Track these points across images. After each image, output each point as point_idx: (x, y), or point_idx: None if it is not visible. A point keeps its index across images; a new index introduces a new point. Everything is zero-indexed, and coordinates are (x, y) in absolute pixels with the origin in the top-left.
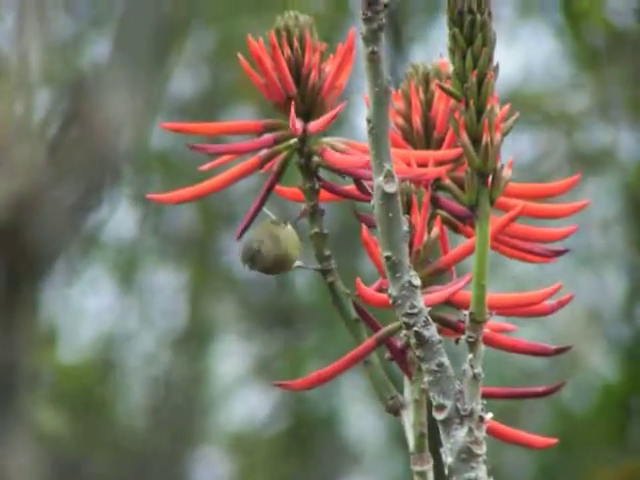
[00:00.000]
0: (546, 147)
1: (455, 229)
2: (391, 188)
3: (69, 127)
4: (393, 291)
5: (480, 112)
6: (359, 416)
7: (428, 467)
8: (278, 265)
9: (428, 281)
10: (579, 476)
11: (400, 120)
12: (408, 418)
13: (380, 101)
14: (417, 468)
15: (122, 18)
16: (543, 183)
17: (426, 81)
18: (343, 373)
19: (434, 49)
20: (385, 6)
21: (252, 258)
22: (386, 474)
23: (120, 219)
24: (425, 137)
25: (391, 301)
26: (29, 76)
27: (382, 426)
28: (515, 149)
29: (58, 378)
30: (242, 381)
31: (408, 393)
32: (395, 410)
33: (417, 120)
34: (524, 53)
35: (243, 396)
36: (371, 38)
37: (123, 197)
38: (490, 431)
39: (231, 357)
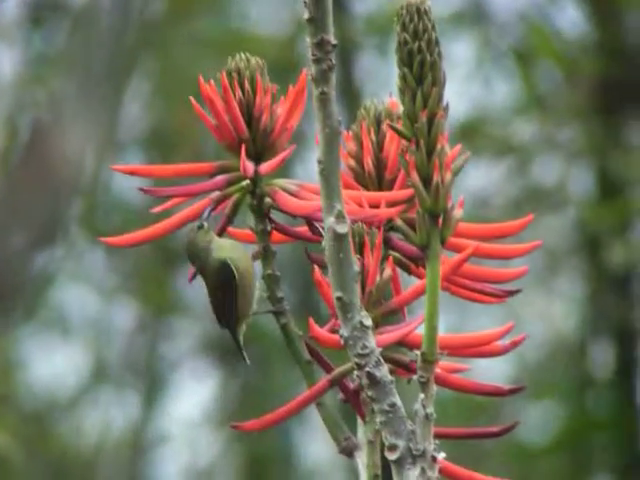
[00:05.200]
0: (499, 181)
1: (408, 271)
2: (342, 229)
3: (22, 164)
4: (344, 332)
5: (430, 152)
6: (316, 451)
7: None
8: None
9: (381, 322)
10: None
11: (352, 162)
12: (362, 459)
13: (331, 142)
14: None
15: (76, 50)
16: (496, 220)
17: (377, 122)
18: (296, 414)
19: (386, 89)
20: (334, 47)
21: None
22: None
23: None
24: (377, 178)
25: (342, 342)
26: None
27: (340, 461)
28: (468, 182)
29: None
30: (197, 419)
31: (362, 434)
32: (349, 451)
33: (369, 161)
34: (478, 92)
35: (198, 434)
36: (321, 79)
37: (77, 236)
38: (444, 471)
39: (187, 394)
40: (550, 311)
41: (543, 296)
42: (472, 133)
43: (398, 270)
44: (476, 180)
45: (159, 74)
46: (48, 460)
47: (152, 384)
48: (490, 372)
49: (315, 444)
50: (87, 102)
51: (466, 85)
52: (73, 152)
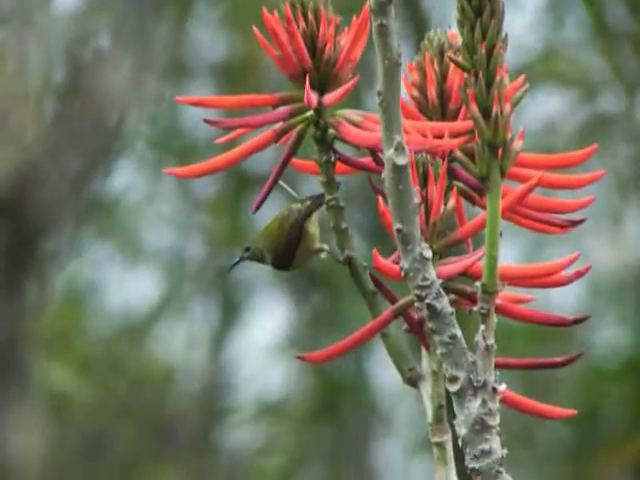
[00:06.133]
0: (564, 112)
1: (472, 201)
2: (402, 160)
3: (70, 98)
4: (405, 264)
5: (489, 84)
6: (388, 379)
7: (447, 438)
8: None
9: (445, 253)
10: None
11: (415, 92)
12: (426, 390)
13: (390, 74)
14: (436, 439)
15: None
16: (560, 151)
17: (441, 53)
18: (361, 345)
19: (449, 21)
20: None
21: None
22: (415, 437)
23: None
24: (440, 109)
25: (403, 274)
26: (29, 51)
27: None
28: (532, 115)
29: (77, 346)
30: (271, 348)
31: (426, 365)
32: (413, 382)
33: (432, 92)
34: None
35: (272, 362)
36: (379, 10)
37: (135, 167)
38: (506, 402)
39: (260, 321)
40: (618, 240)
41: (611, 225)
42: (540, 63)
43: (462, 201)
44: (543, 109)
45: (227, 3)
46: (119, 387)
47: (226, 310)
48: (560, 301)
49: (387, 371)
50: (136, 32)
51: (534, 17)
52: (117, 87)
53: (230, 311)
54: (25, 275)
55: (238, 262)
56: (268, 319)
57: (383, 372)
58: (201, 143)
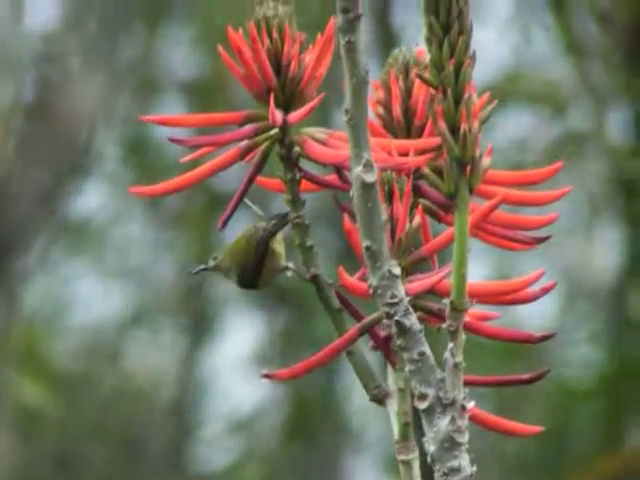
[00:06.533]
0: (535, 129)
1: (438, 218)
2: (370, 178)
3: (40, 117)
4: (373, 281)
5: (457, 100)
6: (358, 397)
7: (413, 456)
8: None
9: (411, 270)
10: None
11: (380, 109)
12: (392, 407)
13: (358, 91)
14: (402, 457)
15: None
16: (528, 168)
17: (406, 70)
18: (327, 363)
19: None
20: None
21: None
22: (385, 453)
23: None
24: (406, 126)
25: (371, 291)
26: None
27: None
28: (502, 132)
29: (47, 363)
30: (241, 364)
31: (392, 382)
32: (379, 399)
33: (397, 109)
34: (513, 41)
35: (243, 379)
36: (348, 28)
37: (104, 185)
38: (473, 419)
39: (231, 338)
40: (590, 256)
41: (583, 241)
42: (511, 80)
43: (428, 218)
44: (513, 126)
45: (200, 21)
46: (89, 404)
47: (197, 327)
48: (530, 318)
49: (357, 389)
50: (106, 52)
51: (504, 32)
52: (83, 106)
53: (201, 328)
54: None
55: (204, 269)
56: (239, 336)
57: (354, 389)
58: (171, 161)
